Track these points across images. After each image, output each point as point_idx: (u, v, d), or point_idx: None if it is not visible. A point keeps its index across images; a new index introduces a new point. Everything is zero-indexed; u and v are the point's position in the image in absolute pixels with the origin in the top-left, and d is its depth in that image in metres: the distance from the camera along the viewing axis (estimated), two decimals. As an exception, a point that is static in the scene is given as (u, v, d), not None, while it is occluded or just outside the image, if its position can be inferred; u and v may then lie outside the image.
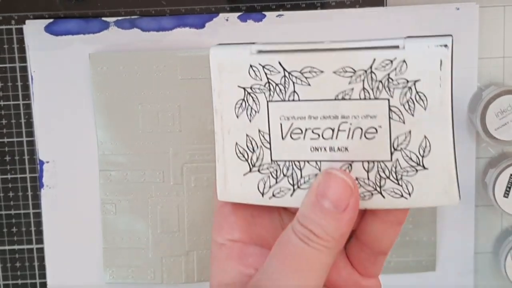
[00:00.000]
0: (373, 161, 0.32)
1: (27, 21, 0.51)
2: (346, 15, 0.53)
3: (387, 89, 0.31)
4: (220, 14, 0.52)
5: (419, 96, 0.31)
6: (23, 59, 0.52)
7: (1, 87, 0.52)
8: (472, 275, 0.55)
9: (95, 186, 0.53)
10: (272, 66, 0.33)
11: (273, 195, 0.33)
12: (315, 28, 0.52)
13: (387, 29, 0.53)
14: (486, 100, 0.51)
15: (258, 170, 0.34)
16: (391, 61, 0.31)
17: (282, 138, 0.33)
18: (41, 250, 0.53)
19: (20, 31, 0.52)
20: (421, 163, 0.32)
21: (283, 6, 0.52)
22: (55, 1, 0.51)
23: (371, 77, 0.31)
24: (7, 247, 0.53)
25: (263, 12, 0.52)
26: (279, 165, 0.33)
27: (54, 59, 0.52)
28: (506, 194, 0.52)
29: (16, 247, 0.54)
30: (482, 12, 0.53)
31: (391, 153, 0.32)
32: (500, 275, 0.53)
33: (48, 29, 0.52)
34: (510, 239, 0.53)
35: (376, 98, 0.31)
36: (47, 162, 0.53)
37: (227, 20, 0.52)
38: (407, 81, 0.31)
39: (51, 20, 0.51)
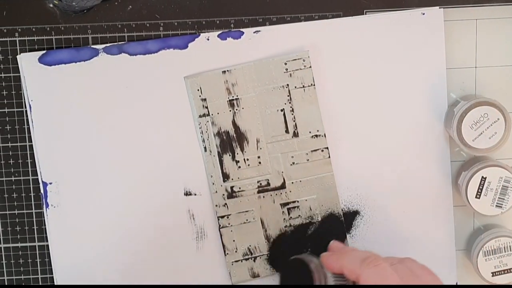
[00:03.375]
0: None
1: (21, 54, 0.54)
2: (326, 25, 0.56)
3: None
4: (201, 34, 0.55)
5: None
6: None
7: (5, 95, 0.55)
8: (455, 271, 0.58)
9: (100, 203, 0.56)
10: None
11: None
12: (293, 41, 0.56)
13: (366, 36, 0.56)
14: (458, 115, 0.54)
15: None
16: None
17: None
18: (42, 247, 0.57)
19: (23, 43, 0.55)
20: None
21: (269, 20, 0.55)
22: (56, 15, 0.55)
23: None
24: (11, 245, 0.57)
25: (241, 29, 0.55)
26: None
27: (50, 88, 0.55)
28: (477, 195, 0.55)
29: (19, 244, 0.57)
30: (453, 24, 0.56)
31: None
32: (473, 271, 0.56)
33: (41, 60, 0.54)
34: (481, 237, 0.56)
35: None
36: (50, 183, 0.56)
37: (208, 39, 0.55)
38: None
39: (43, 52, 0.54)
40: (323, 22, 0.56)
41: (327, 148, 0.56)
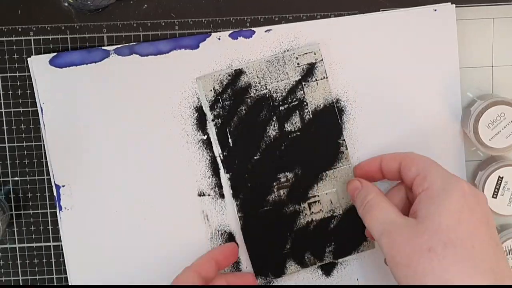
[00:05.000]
0: None
1: (32, 57, 0.54)
2: (340, 22, 0.55)
3: None
4: (213, 34, 0.55)
5: None
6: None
7: (20, 94, 0.55)
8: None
9: (114, 204, 0.56)
10: None
11: None
12: (305, 39, 0.55)
13: (380, 34, 0.55)
14: (475, 115, 0.54)
15: None
16: None
17: None
18: (57, 247, 0.57)
19: (38, 42, 0.55)
20: None
21: (285, 18, 0.55)
22: (71, 14, 0.54)
23: None
24: (25, 245, 0.57)
25: (252, 29, 0.55)
26: None
27: (61, 90, 0.54)
28: (494, 195, 0.55)
29: (34, 244, 0.57)
30: (470, 23, 0.56)
31: None
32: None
33: (52, 62, 0.54)
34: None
35: None
36: (63, 186, 0.56)
37: (219, 39, 0.55)
38: None
39: (54, 54, 0.54)
40: (335, 20, 0.55)
41: (344, 140, 0.56)
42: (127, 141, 0.55)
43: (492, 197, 0.55)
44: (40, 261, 0.57)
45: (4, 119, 0.55)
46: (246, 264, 0.57)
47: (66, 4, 0.54)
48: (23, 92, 0.55)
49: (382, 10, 0.55)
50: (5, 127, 0.55)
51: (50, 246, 0.56)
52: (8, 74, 0.55)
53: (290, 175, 0.56)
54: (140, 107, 0.55)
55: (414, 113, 0.56)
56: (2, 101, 0.55)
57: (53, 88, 0.54)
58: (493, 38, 0.56)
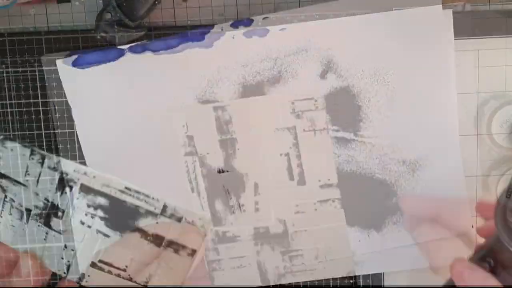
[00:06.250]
0: None
1: (57, 61, 0.54)
2: (349, 23, 0.55)
3: None
4: (227, 32, 0.54)
5: None
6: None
7: (32, 95, 0.55)
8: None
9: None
10: None
11: None
12: (318, 38, 0.55)
13: (391, 33, 0.55)
14: (488, 114, 0.54)
15: None
16: None
17: None
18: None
19: (49, 41, 0.54)
20: None
21: (297, 17, 0.55)
22: (82, 13, 0.54)
23: None
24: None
25: (267, 27, 0.55)
26: None
27: (85, 88, 0.54)
28: (508, 195, 0.54)
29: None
30: (482, 22, 0.55)
31: None
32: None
33: (74, 63, 0.54)
34: (511, 237, 0.56)
35: None
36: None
37: (233, 37, 0.54)
38: None
39: (76, 56, 0.54)
40: (348, 19, 0.55)
41: (339, 199, 0.54)
42: (147, 139, 0.55)
43: (506, 196, 0.54)
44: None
45: (14, 117, 0.55)
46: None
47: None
48: (34, 92, 0.55)
49: (394, 9, 0.55)
50: (15, 125, 0.55)
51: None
52: (20, 75, 0.55)
53: (270, 226, 0.54)
54: (156, 103, 0.55)
55: (427, 113, 0.56)
56: (13, 101, 0.55)
57: (78, 86, 0.54)
58: (506, 36, 0.56)
